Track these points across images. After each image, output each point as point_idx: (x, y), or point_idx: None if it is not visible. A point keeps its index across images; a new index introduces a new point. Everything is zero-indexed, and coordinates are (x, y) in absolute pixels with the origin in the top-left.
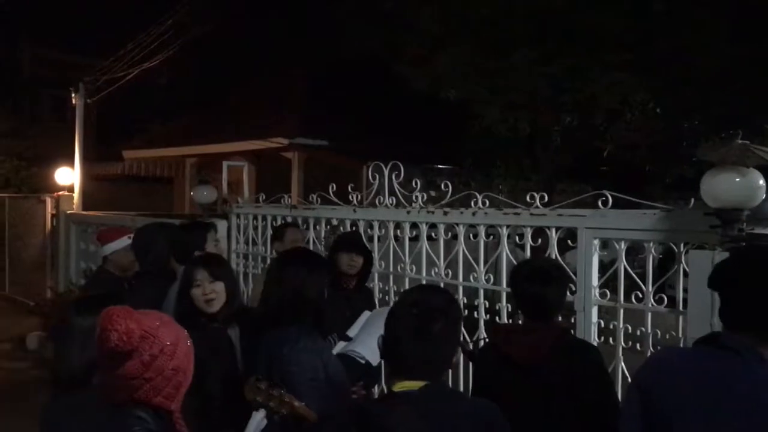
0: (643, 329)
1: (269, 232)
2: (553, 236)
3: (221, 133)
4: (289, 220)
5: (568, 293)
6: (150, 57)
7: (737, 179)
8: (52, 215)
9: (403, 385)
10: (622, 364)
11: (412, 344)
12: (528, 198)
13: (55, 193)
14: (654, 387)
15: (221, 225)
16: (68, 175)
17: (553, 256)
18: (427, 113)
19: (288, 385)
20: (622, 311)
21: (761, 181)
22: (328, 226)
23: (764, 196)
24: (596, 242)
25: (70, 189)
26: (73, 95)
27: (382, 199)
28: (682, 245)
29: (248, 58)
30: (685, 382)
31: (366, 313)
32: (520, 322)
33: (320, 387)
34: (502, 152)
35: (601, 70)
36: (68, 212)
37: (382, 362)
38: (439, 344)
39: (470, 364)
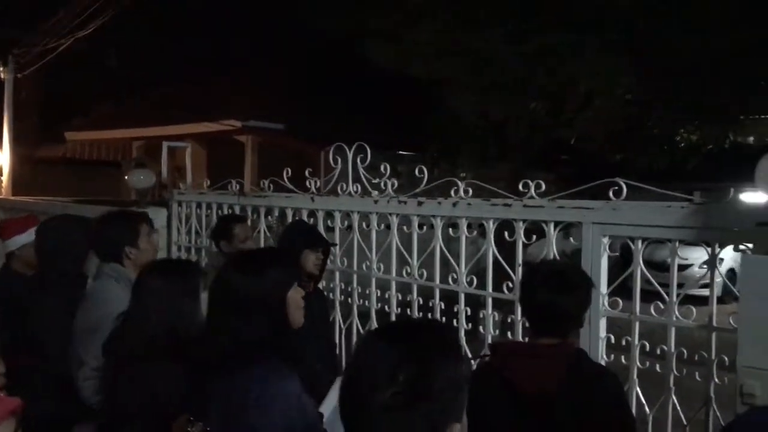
0: (665, 347)
1: (215, 222)
2: (552, 232)
3: (170, 115)
4: (237, 209)
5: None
6: (82, 26)
7: None
8: None
9: None
10: (637, 388)
11: None
12: (521, 187)
13: None
14: None
15: (159, 213)
16: None
17: (551, 257)
18: (392, 97)
19: None
20: (637, 324)
21: None
22: (271, 216)
23: None
24: (605, 240)
25: None
26: (0, 69)
27: (344, 186)
28: (717, 246)
29: (202, 37)
30: None
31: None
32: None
33: None
34: (470, 138)
35: (581, 50)
36: None
37: None
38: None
39: None
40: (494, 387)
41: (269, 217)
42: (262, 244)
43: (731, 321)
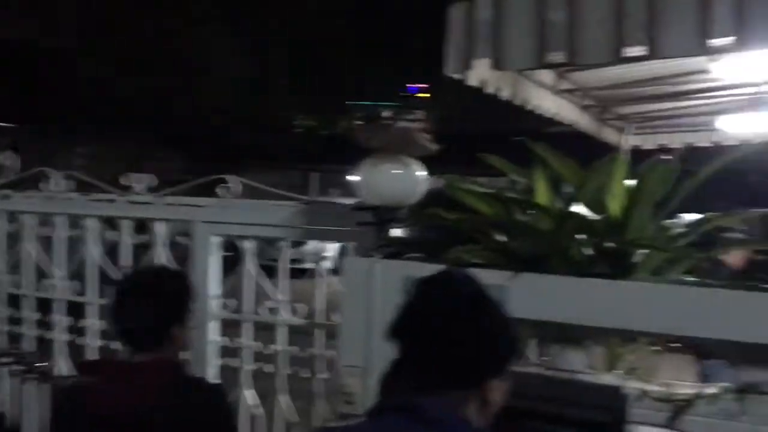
0: (277, 348)
1: None
2: (162, 232)
3: None
4: None
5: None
6: None
7: (398, 171)
8: None
9: None
10: (249, 391)
11: None
12: (130, 181)
13: None
14: None
15: None
16: None
17: (163, 259)
18: None
19: None
20: (249, 326)
21: (422, 175)
22: None
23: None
24: (216, 240)
25: None
26: None
27: None
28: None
29: None
30: None
31: None
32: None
33: None
34: (89, 112)
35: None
36: None
37: None
38: None
39: None
40: (76, 412)
41: None
42: None
43: (333, 318)
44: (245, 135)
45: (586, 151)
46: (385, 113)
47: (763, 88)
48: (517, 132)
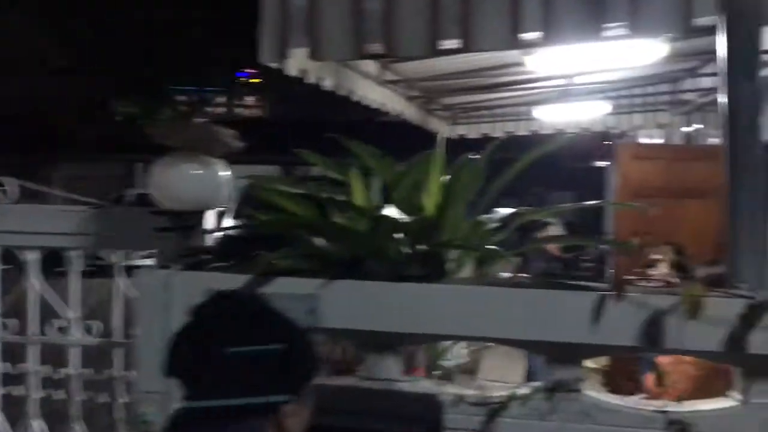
0: (71, 371)
1: None
2: None
3: None
4: None
5: None
6: None
7: (197, 172)
8: None
9: None
10: (35, 422)
11: None
12: None
13: None
14: None
15: None
16: None
17: None
18: None
19: None
20: (37, 349)
21: (226, 176)
22: None
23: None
24: None
25: None
26: None
27: None
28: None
29: None
30: None
31: None
32: None
33: None
34: None
35: None
36: None
37: None
38: None
39: None
40: None
41: None
42: None
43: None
44: (61, 124)
45: (420, 138)
46: (217, 100)
47: (573, 81)
48: (349, 120)
